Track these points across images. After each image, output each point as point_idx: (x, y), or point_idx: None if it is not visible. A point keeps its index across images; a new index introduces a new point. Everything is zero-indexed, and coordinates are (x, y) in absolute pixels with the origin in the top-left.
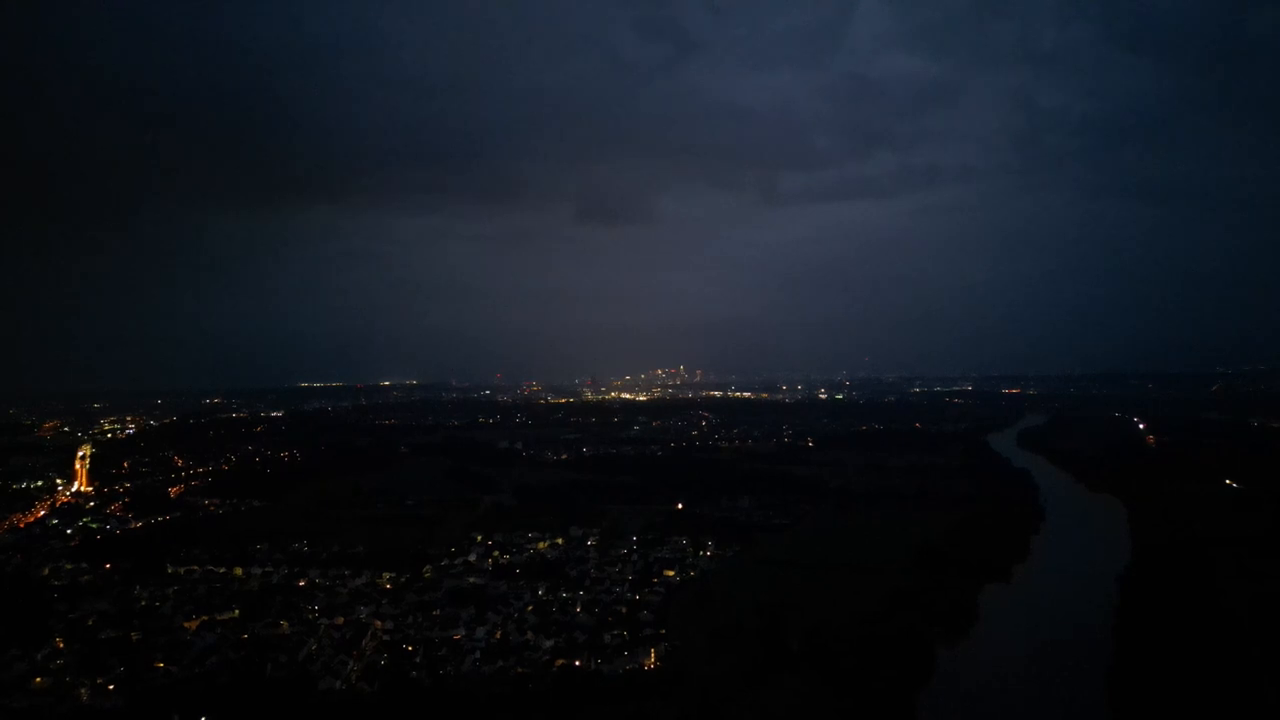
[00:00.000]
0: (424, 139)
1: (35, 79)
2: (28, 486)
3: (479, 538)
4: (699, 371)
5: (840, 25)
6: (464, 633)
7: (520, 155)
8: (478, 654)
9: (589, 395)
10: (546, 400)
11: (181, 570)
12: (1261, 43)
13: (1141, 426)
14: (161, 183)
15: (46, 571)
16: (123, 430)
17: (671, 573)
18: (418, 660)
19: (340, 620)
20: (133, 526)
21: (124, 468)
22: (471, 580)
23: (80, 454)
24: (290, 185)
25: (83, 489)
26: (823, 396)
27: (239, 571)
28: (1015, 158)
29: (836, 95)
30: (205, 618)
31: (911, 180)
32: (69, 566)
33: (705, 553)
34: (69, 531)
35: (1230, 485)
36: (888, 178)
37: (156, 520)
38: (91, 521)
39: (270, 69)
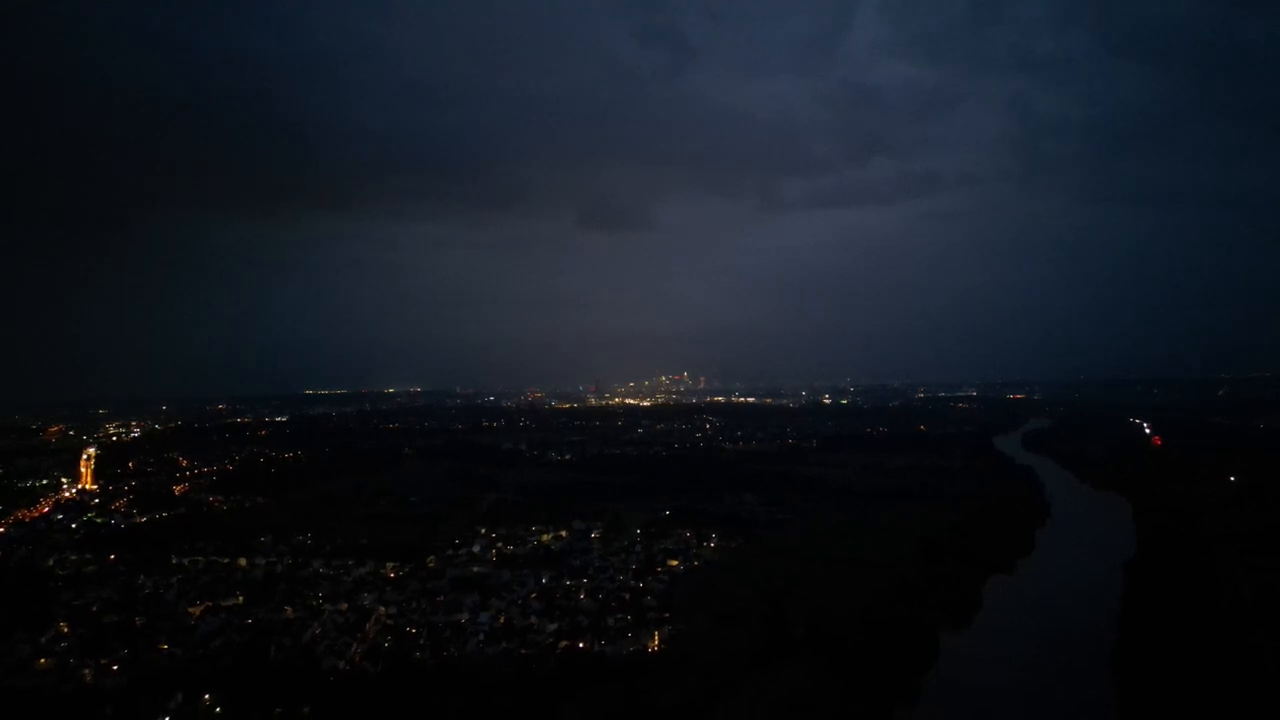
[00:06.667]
0: (426, 147)
1: (41, 86)
2: (33, 485)
3: (483, 531)
4: (703, 378)
5: (838, 32)
6: (467, 617)
7: (521, 162)
8: (481, 637)
9: (593, 401)
10: (550, 406)
11: (186, 561)
12: (1256, 48)
13: (1147, 429)
14: (165, 190)
15: (51, 562)
16: (127, 434)
17: (675, 562)
18: (421, 643)
19: (344, 606)
20: (137, 521)
21: (129, 468)
22: (475, 569)
23: (85, 455)
24: (294, 193)
25: (88, 487)
26: (826, 401)
27: (243, 562)
28: (1014, 164)
29: (835, 102)
30: (209, 604)
31: (911, 186)
32: (73, 558)
33: (709, 544)
34: (74, 526)
35: (1235, 485)
36: (887, 184)
37: (161, 515)
38: (96, 516)
39: (273, 76)
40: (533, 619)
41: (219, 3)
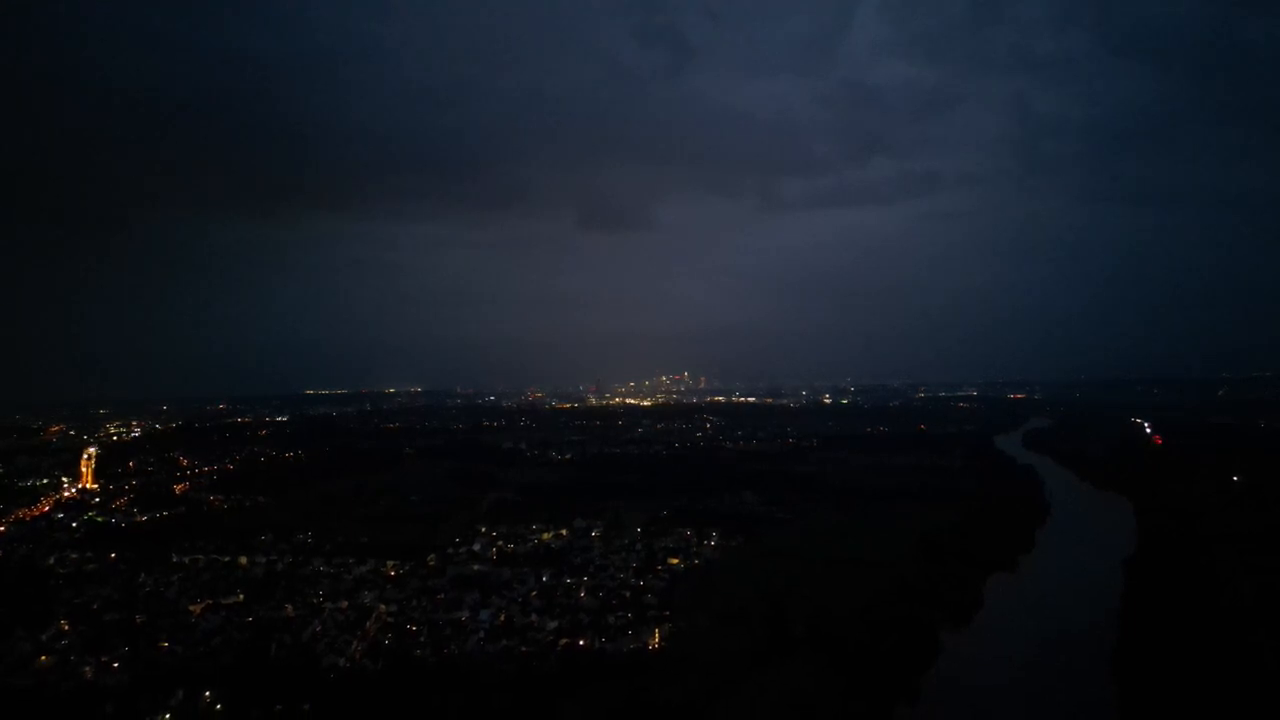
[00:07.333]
0: (426, 147)
1: (41, 86)
2: (33, 484)
3: (483, 529)
4: (703, 378)
5: (838, 32)
6: (468, 615)
7: (521, 162)
8: (482, 634)
9: (593, 401)
10: (551, 405)
11: (186, 559)
12: (1256, 48)
13: (1148, 429)
14: (165, 190)
15: (52, 561)
16: (128, 433)
17: (676, 560)
18: (422, 640)
19: (344, 604)
20: (137, 520)
21: (129, 467)
22: (476, 568)
23: (86, 454)
24: (294, 193)
25: (88, 486)
26: (827, 401)
27: (243, 560)
28: (1014, 164)
29: (835, 102)
30: (210, 602)
31: (911, 186)
32: (74, 556)
33: (709, 543)
34: (74, 524)
35: (1236, 485)
36: (887, 184)
37: (161, 514)
38: (97, 515)
39: (273, 76)
40: (533, 617)
41: (219, 3)
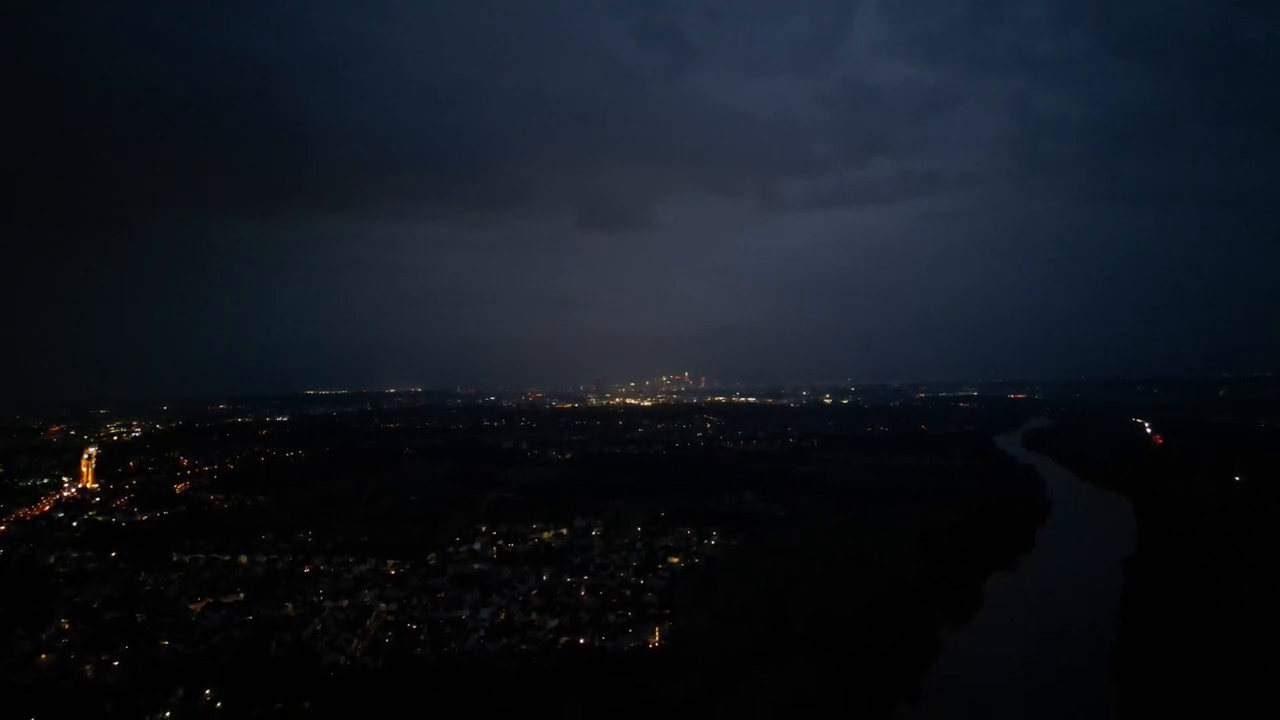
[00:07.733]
0: (426, 147)
1: (41, 86)
2: (34, 484)
3: (483, 529)
4: (703, 378)
5: (838, 32)
6: (468, 613)
7: (521, 162)
8: (482, 633)
9: (593, 401)
10: (551, 405)
11: (187, 558)
12: (1256, 48)
13: (1148, 429)
14: (165, 190)
15: (52, 560)
16: (128, 433)
17: (676, 559)
18: (422, 638)
19: (345, 603)
20: (138, 519)
21: (130, 467)
22: (476, 567)
23: (86, 454)
24: (294, 193)
25: (88, 486)
26: (827, 402)
27: (244, 559)
28: (1014, 164)
29: (835, 102)
30: (210, 600)
31: (911, 186)
32: (74, 555)
33: (710, 542)
34: (75, 524)
35: (1237, 485)
36: (887, 184)
37: (161, 514)
38: (97, 514)
39: (273, 76)
40: (533, 615)
41: (219, 3)
